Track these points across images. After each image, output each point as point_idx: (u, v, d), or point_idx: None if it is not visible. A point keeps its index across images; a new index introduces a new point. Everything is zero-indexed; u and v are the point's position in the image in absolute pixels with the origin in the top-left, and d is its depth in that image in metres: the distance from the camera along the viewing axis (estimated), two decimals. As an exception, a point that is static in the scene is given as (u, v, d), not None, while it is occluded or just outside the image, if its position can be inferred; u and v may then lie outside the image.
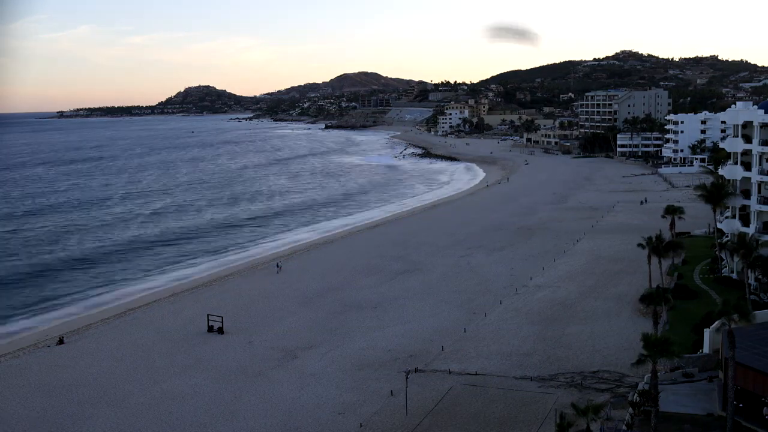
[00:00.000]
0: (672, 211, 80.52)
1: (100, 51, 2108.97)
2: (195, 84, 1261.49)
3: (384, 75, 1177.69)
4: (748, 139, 70.87)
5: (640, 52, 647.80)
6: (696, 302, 63.79)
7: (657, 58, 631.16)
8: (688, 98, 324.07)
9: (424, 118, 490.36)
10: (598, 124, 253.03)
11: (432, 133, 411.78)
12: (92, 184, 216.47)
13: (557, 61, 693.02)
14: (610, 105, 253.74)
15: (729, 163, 75.78)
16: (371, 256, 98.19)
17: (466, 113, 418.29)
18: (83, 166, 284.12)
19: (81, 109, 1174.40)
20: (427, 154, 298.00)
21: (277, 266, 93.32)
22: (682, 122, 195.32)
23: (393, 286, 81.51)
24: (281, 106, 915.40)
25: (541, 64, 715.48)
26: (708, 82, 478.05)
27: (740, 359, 39.52)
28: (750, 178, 70.43)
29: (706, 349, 48.32)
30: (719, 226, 76.05)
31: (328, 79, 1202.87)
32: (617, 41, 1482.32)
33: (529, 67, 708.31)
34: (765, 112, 68.71)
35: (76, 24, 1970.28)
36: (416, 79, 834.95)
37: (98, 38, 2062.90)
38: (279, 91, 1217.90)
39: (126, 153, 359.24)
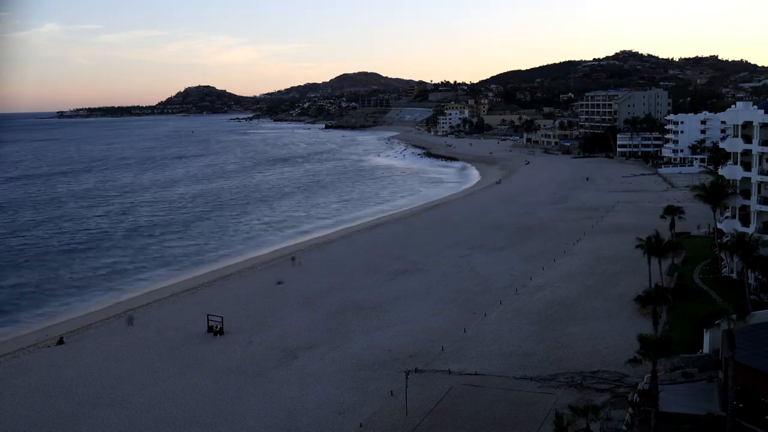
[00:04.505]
0: (672, 211, 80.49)
1: (79, 50, 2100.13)
2: (195, 84, 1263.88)
3: (384, 75, 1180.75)
4: (748, 139, 70.87)
5: (640, 52, 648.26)
6: (696, 302, 63.71)
7: (657, 58, 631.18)
8: (688, 98, 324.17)
9: (424, 118, 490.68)
10: (598, 124, 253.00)
11: (432, 133, 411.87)
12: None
13: (557, 61, 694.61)
14: (610, 105, 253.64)
15: (729, 163, 75.79)
16: (371, 256, 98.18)
17: (466, 113, 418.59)
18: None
19: (81, 109, 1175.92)
20: (427, 154, 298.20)
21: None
22: (682, 122, 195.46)
23: (393, 286, 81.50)
24: (281, 106, 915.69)
25: (541, 64, 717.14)
26: (708, 82, 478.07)
27: (740, 359, 39.51)
28: (750, 178, 70.44)
29: (706, 349, 48.31)
30: (719, 226, 76.06)
31: (328, 79, 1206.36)
32: (617, 41, 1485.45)
33: (529, 67, 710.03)
34: (765, 112, 68.73)
35: (42, 22, 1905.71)
36: (416, 79, 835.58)
37: (70, 37, 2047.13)
38: (279, 91, 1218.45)
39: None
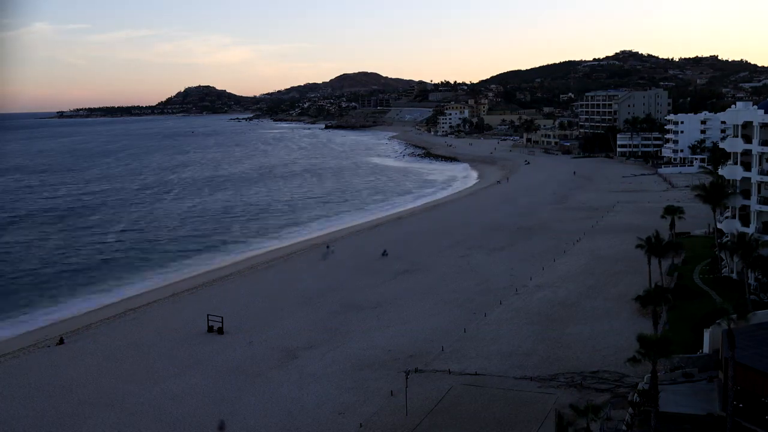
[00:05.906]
0: (672, 211, 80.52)
1: (70, 50, 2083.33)
2: (195, 84, 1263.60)
3: (384, 75, 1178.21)
4: (748, 139, 70.89)
5: (640, 52, 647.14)
6: (696, 302, 63.75)
7: (657, 58, 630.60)
8: (688, 98, 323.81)
9: (424, 118, 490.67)
10: (598, 124, 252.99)
11: (432, 133, 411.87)
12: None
13: (557, 61, 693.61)
14: (610, 105, 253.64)
15: (729, 163, 75.80)
16: (371, 257, 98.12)
17: (466, 113, 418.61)
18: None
19: (81, 109, 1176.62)
20: (426, 154, 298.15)
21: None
22: (682, 122, 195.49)
23: (393, 286, 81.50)
24: (281, 106, 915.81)
25: (541, 64, 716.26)
26: (708, 82, 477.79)
27: (740, 359, 39.53)
28: (750, 178, 70.45)
29: (706, 349, 48.32)
30: (719, 226, 76.07)
31: (328, 79, 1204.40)
32: (617, 41, 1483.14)
33: (529, 67, 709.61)
34: (765, 112, 68.75)
35: (31, 21, 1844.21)
36: (416, 79, 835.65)
37: (60, 37, 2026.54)
38: (279, 91, 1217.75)
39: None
